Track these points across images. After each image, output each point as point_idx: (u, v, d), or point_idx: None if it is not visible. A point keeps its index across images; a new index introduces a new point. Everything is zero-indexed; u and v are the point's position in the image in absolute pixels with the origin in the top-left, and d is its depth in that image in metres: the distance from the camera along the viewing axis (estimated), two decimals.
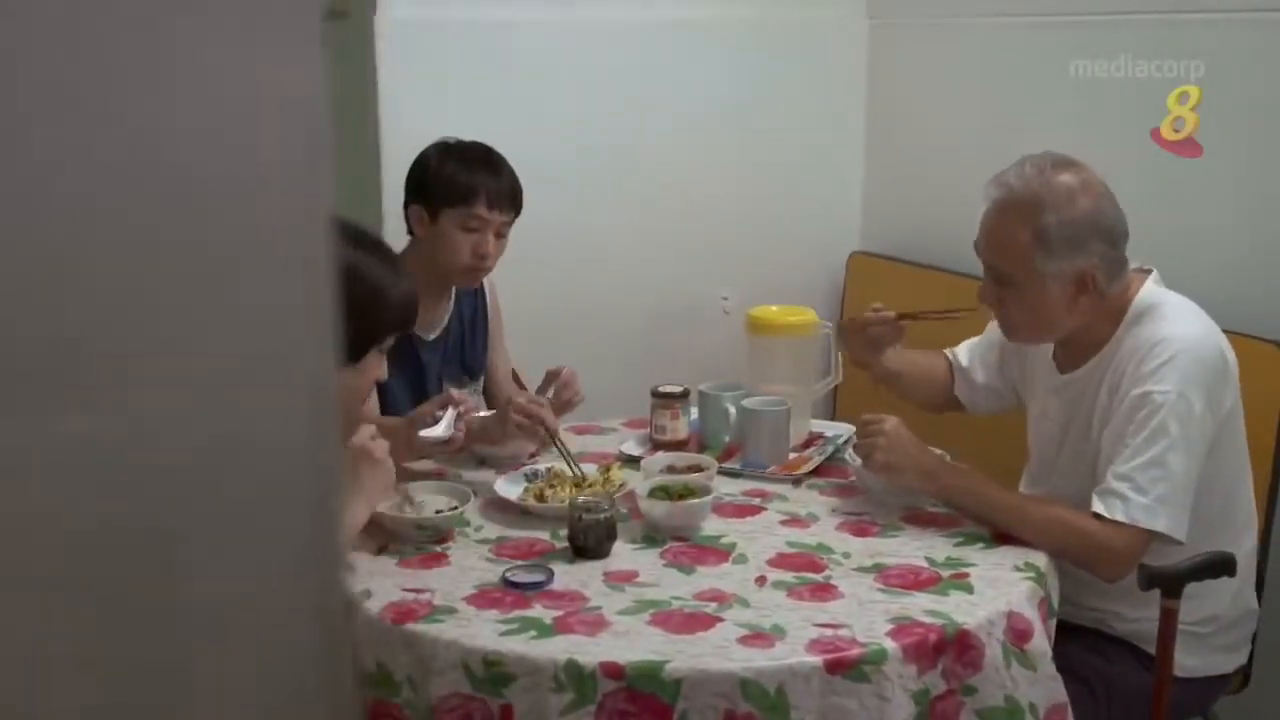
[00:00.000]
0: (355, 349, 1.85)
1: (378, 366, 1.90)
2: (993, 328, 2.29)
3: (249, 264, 0.41)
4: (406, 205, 2.46)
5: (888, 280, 3.38)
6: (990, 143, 2.94)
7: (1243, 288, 2.47)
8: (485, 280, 2.61)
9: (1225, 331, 2.05)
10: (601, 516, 1.91)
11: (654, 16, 3.17)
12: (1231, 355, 2.02)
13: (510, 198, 2.42)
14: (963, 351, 2.40)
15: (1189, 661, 2.08)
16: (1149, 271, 2.08)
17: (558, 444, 2.22)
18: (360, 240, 1.88)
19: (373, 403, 2.31)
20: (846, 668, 1.59)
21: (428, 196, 2.41)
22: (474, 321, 2.62)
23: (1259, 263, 2.55)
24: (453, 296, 2.56)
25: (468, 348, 2.60)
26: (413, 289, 1.91)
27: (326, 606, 0.51)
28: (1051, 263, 1.95)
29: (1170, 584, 1.74)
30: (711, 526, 2.02)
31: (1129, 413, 1.94)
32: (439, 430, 2.07)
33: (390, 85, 2.84)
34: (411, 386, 2.46)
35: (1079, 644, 2.08)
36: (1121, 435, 1.95)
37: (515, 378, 2.77)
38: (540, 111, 3.04)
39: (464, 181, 2.38)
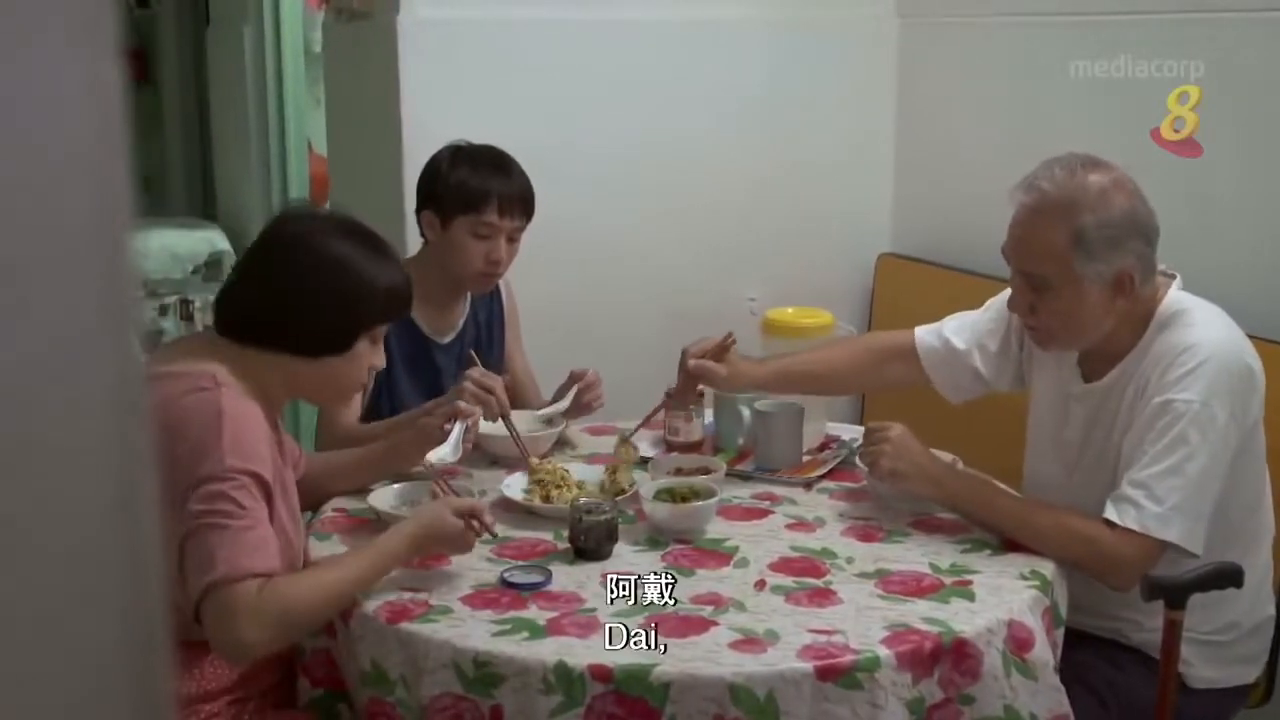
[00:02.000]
0: (343, 339, 1.83)
1: (371, 355, 1.88)
2: (989, 316, 2.24)
3: (32, 264, 0.39)
4: (418, 211, 2.45)
5: (917, 282, 3.34)
6: (1024, 143, 2.90)
7: (1243, 288, 2.42)
8: (501, 281, 2.61)
9: None
10: (602, 518, 1.90)
11: (681, 15, 3.15)
12: (1258, 364, 1.96)
13: (522, 203, 2.40)
14: (955, 334, 2.27)
15: (1209, 673, 2.04)
16: (1173, 276, 2.04)
17: (507, 423, 2.24)
18: (348, 231, 1.86)
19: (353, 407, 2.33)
20: (838, 674, 1.57)
21: (439, 203, 2.39)
22: (490, 323, 2.61)
23: (1260, 263, 2.52)
24: (468, 300, 2.56)
25: (484, 350, 2.59)
26: (403, 277, 1.89)
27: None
28: (1091, 265, 1.89)
29: (1174, 594, 1.70)
30: (716, 529, 2.00)
31: (1150, 420, 1.90)
32: (446, 451, 2.06)
33: (413, 85, 2.84)
34: (428, 392, 2.44)
35: (1092, 653, 2.04)
36: (1140, 442, 1.90)
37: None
38: (566, 111, 3.03)
39: (475, 188, 2.36)
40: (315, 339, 1.82)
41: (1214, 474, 1.88)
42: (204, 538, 1.62)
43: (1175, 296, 1.99)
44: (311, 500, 2.13)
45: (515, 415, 2.45)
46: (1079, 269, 1.89)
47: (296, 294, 1.81)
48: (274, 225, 1.89)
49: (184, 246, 4.01)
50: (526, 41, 2.98)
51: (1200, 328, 1.93)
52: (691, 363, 2.27)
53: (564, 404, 2.43)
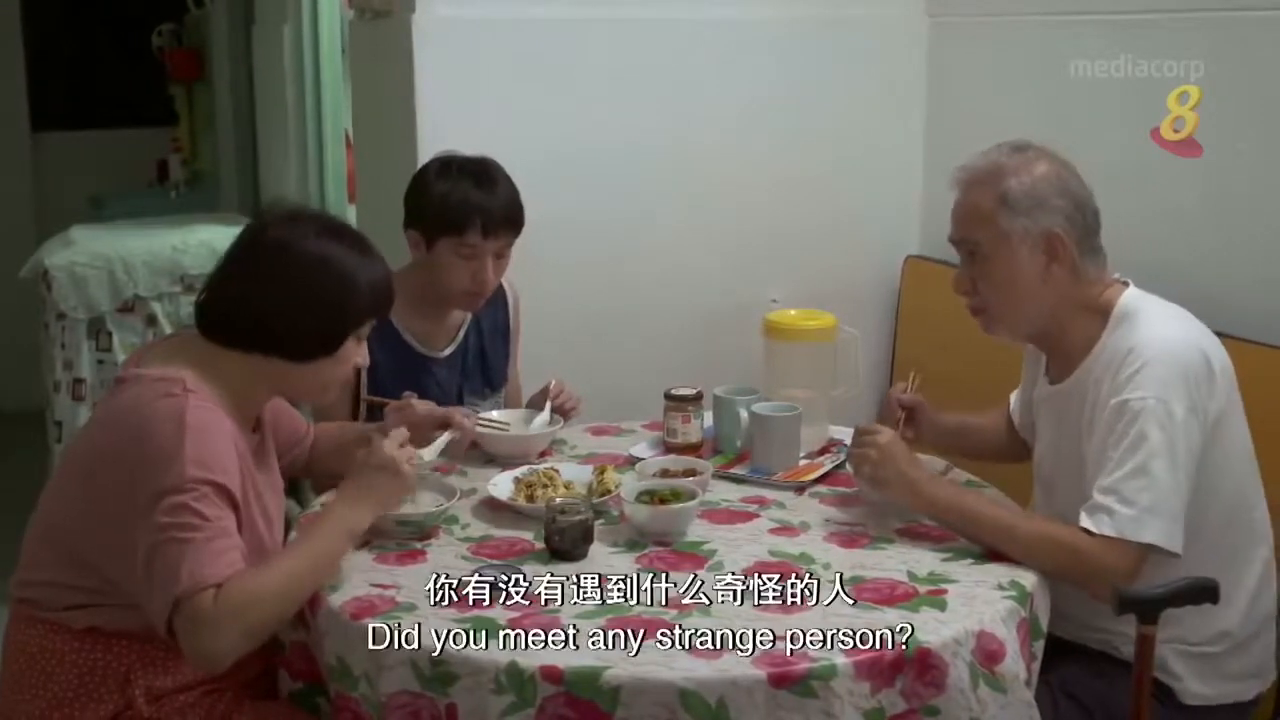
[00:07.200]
0: (331, 340, 1.84)
1: (356, 353, 1.89)
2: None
3: None
4: (405, 228, 2.40)
5: (944, 285, 3.26)
6: (1056, 143, 2.84)
7: (1243, 289, 2.39)
8: (509, 290, 2.59)
9: (1225, 336, 1.98)
10: (577, 518, 1.89)
11: (705, 14, 3.12)
12: (1219, 357, 1.94)
13: (506, 222, 2.35)
14: (1014, 395, 2.35)
15: (1202, 689, 1.98)
16: (1126, 284, 2.03)
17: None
18: (330, 230, 1.86)
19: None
20: (792, 682, 1.55)
21: (422, 223, 2.36)
22: (494, 333, 2.58)
23: (1262, 263, 2.47)
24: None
25: (489, 360, 2.57)
26: (385, 271, 1.89)
27: None
28: (1017, 220, 1.95)
29: (1145, 609, 1.65)
30: (697, 532, 1.98)
31: (1109, 424, 1.89)
32: (427, 454, 2.04)
33: (429, 84, 2.84)
34: None
35: (1080, 666, 2.01)
36: (1104, 448, 1.89)
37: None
38: (585, 111, 3.01)
39: (457, 210, 2.31)
40: (308, 344, 1.83)
41: (1181, 469, 1.85)
42: (169, 552, 1.62)
43: (1130, 297, 2.00)
44: (316, 471, 2.22)
45: (521, 414, 2.46)
46: (1005, 225, 1.96)
47: (286, 299, 1.80)
48: (256, 228, 1.89)
49: (223, 242, 4.02)
50: (545, 40, 2.97)
51: (1146, 327, 1.93)
52: (906, 397, 2.29)
53: (545, 414, 2.43)
